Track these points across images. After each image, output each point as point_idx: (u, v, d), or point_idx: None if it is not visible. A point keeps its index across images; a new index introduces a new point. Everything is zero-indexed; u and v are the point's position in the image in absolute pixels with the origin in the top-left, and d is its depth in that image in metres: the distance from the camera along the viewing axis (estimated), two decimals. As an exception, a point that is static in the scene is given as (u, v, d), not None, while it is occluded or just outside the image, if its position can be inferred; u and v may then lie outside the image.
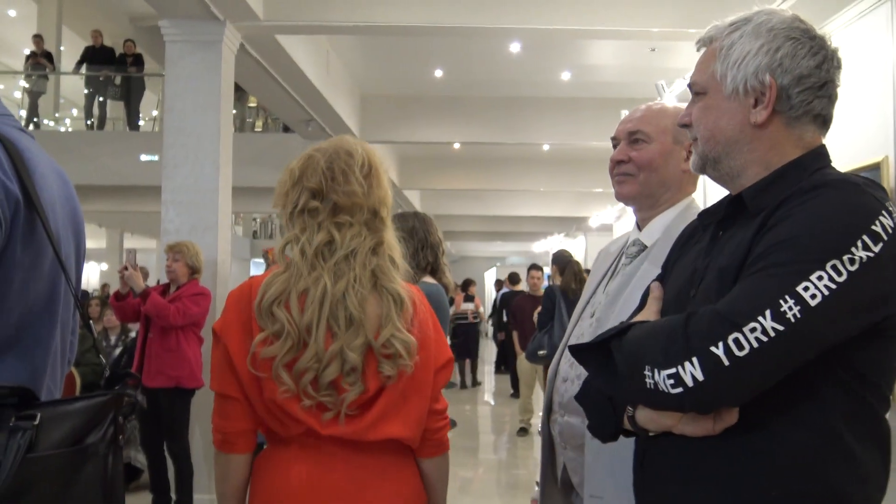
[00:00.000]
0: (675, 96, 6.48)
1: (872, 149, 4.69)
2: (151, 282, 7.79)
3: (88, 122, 12.83)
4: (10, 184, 1.23)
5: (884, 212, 1.17)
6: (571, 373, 1.82)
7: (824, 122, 1.35)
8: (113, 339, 6.81)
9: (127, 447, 5.59)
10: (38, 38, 13.32)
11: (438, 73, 9.61)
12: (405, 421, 1.74)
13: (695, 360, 1.13)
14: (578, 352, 1.35)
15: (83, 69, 12.97)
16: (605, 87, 9.78)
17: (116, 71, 12.65)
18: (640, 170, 1.85)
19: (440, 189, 16.05)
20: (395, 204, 13.32)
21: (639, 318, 1.36)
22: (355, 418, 1.70)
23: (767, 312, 1.12)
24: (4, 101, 1.42)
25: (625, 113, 1.99)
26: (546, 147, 12.18)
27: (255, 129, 13.81)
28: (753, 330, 1.11)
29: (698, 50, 1.43)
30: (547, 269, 9.82)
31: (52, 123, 13.87)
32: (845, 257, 1.13)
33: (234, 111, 8.67)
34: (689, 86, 1.43)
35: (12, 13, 15.30)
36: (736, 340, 1.11)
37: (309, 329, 1.66)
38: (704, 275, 1.33)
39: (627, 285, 1.81)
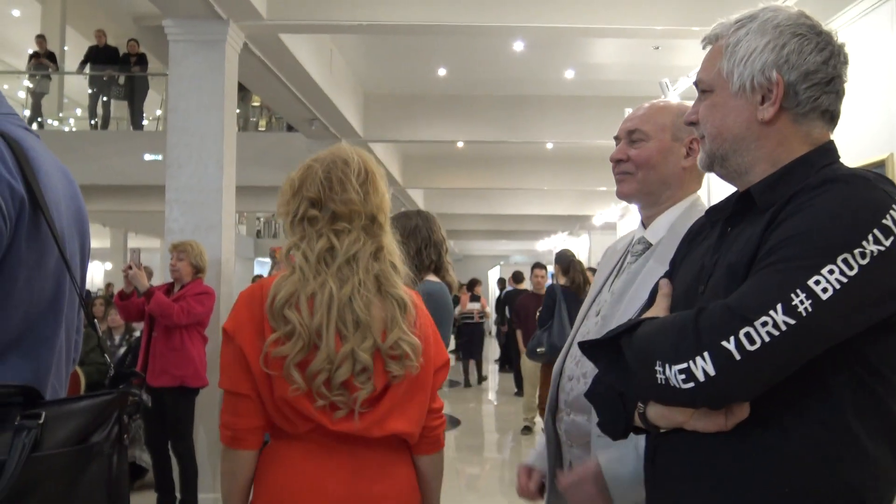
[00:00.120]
0: (679, 94, 6.47)
1: (877, 146, 4.68)
2: (155, 281, 7.79)
3: (92, 122, 12.86)
4: (15, 182, 1.23)
5: (894, 206, 1.17)
6: (577, 371, 1.82)
7: (832, 117, 1.34)
8: (117, 338, 6.83)
9: (132, 446, 5.60)
10: (40, 39, 13.35)
11: (442, 72, 9.60)
12: (408, 417, 1.83)
13: (706, 354, 1.13)
14: (588, 348, 1.35)
15: (87, 69, 12.99)
16: (609, 86, 9.77)
17: (120, 71, 12.68)
18: (638, 168, 1.86)
19: (444, 188, 16.06)
20: (398, 203, 13.38)
21: (648, 314, 1.36)
22: (363, 415, 1.77)
23: (779, 307, 1.11)
24: (8, 102, 1.42)
25: (628, 111, 2.00)
26: (549, 146, 12.17)
27: (259, 129, 13.82)
28: (765, 324, 1.11)
29: (704, 48, 1.43)
30: (550, 268, 9.83)
31: (56, 123, 13.90)
32: (856, 251, 1.12)
33: (238, 110, 8.67)
34: (696, 83, 1.42)
35: (16, 13, 15.33)
36: (747, 335, 1.11)
37: (319, 332, 1.74)
38: (713, 271, 1.32)
39: (633, 283, 1.82)
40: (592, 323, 1.88)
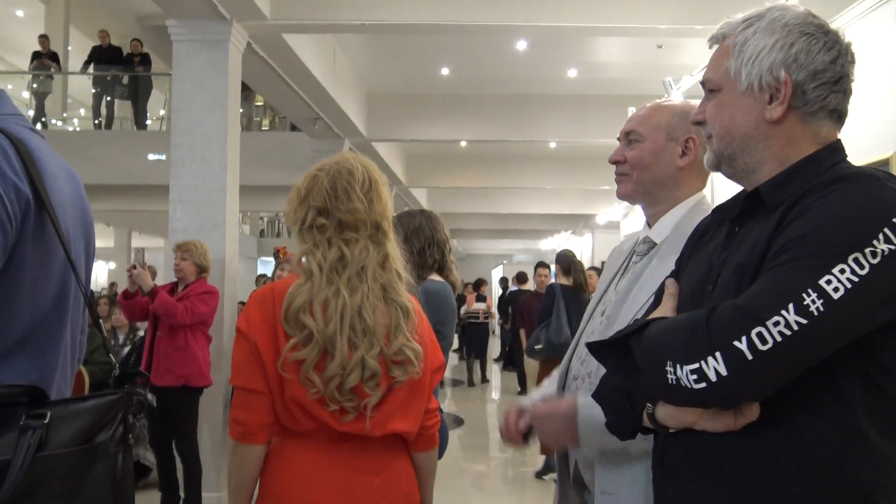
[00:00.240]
0: (682, 93, 6.46)
1: (880, 145, 4.68)
2: (159, 280, 7.81)
3: (96, 122, 12.87)
4: (21, 183, 1.23)
5: None
6: (582, 370, 1.83)
7: (840, 117, 1.34)
8: (121, 337, 6.84)
9: (136, 445, 5.59)
10: (43, 39, 13.36)
11: (445, 71, 9.60)
12: (408, 417, 1.94)
13: (718, 354, 1.13)
14: (597, 349, 1.35)
15: (91, 69, 13.01)
16: (612, 85, 9.77)
17: (124, 70, 12.69)
18: (633, 169, 1.88)
19: (447, 187, 16.05)
20: (401, 202, 13.38)
21: (655, 314, 1.36)
22: (366, 416, 1.87)
23: (790, 306, 1.11)
24: (13, 102, 1.42)
25: (632, 110, 2.01)
26: (553, 144, 12.17)
27: (262, 128, 13.82)
28: (777, 324, 1.11)
29: (710, 47, 1.42)
30: (554, 268, 9.83)
31: (59, 123, 13.92)
32: (867, 250, 1.12)
33: (241, 110, 8.68)
34: (703, 83, 1.42)
35: (20, 13, 15.35)
36: (759, 334, 1.11)
37: (332, 339, 1.82)
38: (721, 270, 1.32)
39: (637, 282, 1.82)
40: (598, 323, 1.88)
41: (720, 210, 1.45)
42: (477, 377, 13.51)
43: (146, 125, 12.98)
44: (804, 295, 1.11)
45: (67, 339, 1.38)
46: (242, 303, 6.75)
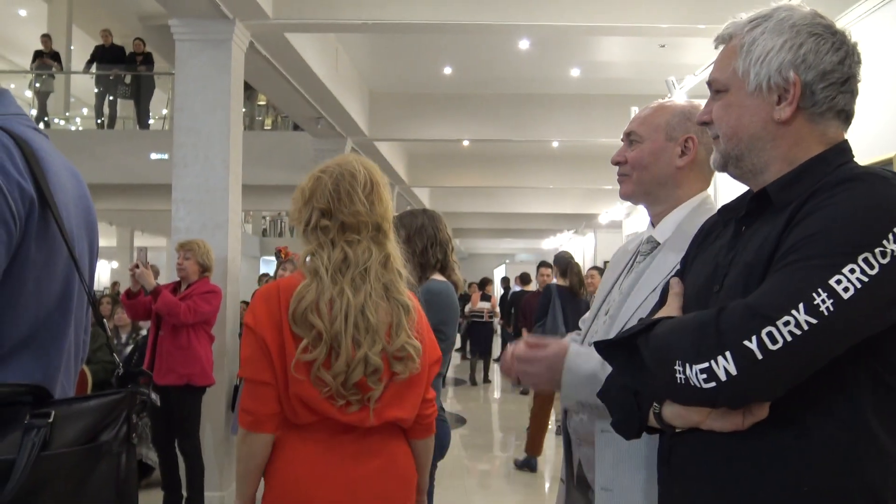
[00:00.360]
0: (685, 92, 6.46)
1: (882, 145, 4.67)
2: (162, 280, 7.82)
3: (99, 121, 12.87)
4: (25, 183, 1.24)
5: None
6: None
7: (847, 117, 1.35)
8: (124, 337, 6.85)
9: (138, 445, 5.60)
10: (45, 38, 13.37)
11: (447, 71, 9.60)
12: (406, 406, 2.05)
13: (728, 354, 1.13)
14: (604, 348, 1.35)
15: (93, 68, 13.01)
16: (615, 84, 9.76)
17: (126, 70, 12.69)
18: (633, 169, 1.89)
19: (449, 186, 16.05)
20: (404, 202, 13.37)
21: (661, 314, 1.36)
22: (369, 407, 1.98)
23: (801, 306, 1.11)
24: (16, 101, 1.42)
25: (634, 110, 2.01)
26: (555, 144, 12.16)
27: (265, 128, 13.83)
28: (787, 323, 1.11)
29: (716, 47, 1.42)
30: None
31: (62, 122, 13.93)
32: (877, 250, 1.12)
33: (244, 109, 8.69)
34: (709, 83, 1.41)
35: (23, 13, 15.36)
36: (769, 334, 1.11)
37: (337, 338, 1.92)
38: (728, 270, 1.32)
39: (638, 281, 1.83)
40: (601, 323, 1.88)
41: (726, 210, 1.45)
42: (479, 376, 13.51)
43: (149, 125, 12.98)
44: (814, 295, 1.11)
45: (71, 338, 1.39)
46: (245, 302, 6.76)
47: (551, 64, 9.27)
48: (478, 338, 13.66)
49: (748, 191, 1.41)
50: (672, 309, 1.38)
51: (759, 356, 1.11)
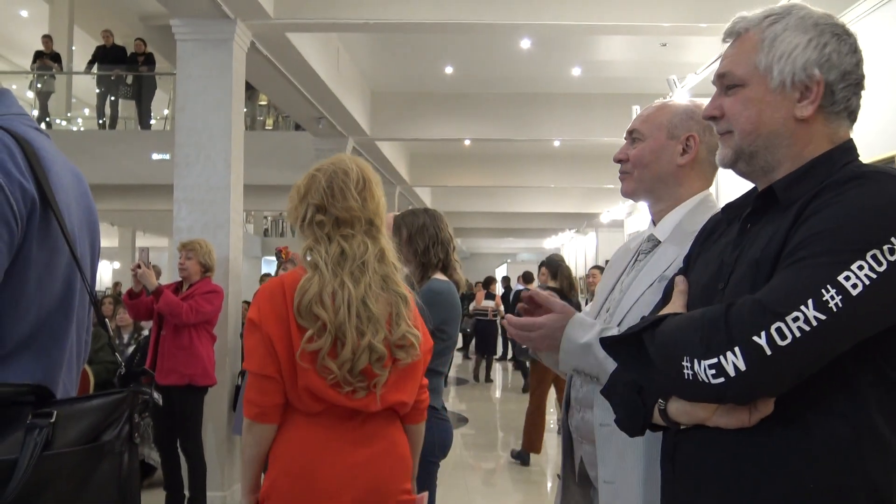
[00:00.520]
0: (686, 91, 6.46)
1: (883, 143, 4.66)
2: (164, 280, 7.82)
3: (100, 122, 12.88)
4: (27, 183, 1.24)
5: None
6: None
7: (855, 118, 1.36)
8: (126, 337, 6.84)
9: (140, 444, 5.61)
10: (47, 39, 13.39)
11: (449, 70, 9.60)
12: (407, 390, 2.17)
13: (737, 349, 1.13)
14: (610, 345, 1.35)
15: (94, 69, 13.02)
16: (616, 83, 9.76)
17: (128, 70, 12.70)
18: (634, 167, 1.90)
19: (451, 186, 16.06)
20: (405, 201, 13.36)
21: (665, 310, 1.35)
22: (373, 394, 2.08)
23: (809, 302, 1.12)
24: (18, 102, 1.43)
25: (636, 108, 2.02)
26: (557, 143, 12.17)
27: (266, 128, 13.84)
28: (796, 319, 1.11)
29: (725, 41, 1.41)
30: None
31: (64, 123, 13.94)
32: (885, 247, 1.13)
33: (245, 109, 8.69)
34: (720, 77, 1.40)
35: (24, 14, 15.38)
36: (778, 330, 1.11)
37: (342, 327, 2.01)
38: (734, 268, 1.32)
39: (638, 276, 1.84)
40: (601, 321, 1.88)
41: (730, 208, 1.45)
42: (482, 374, 13.54)
43: (150, 125, 12.99)
44: (823, 291, 1.12)
45: (73, 338, 1.39)
46: (247, 302, 6.76)
47: (552, 63, 9.27)
48: (482, 336, 13.69)
49: (753, 188, 1.41)
50: (677, 306, 1.38)
51: (769, 352, 1.11)
